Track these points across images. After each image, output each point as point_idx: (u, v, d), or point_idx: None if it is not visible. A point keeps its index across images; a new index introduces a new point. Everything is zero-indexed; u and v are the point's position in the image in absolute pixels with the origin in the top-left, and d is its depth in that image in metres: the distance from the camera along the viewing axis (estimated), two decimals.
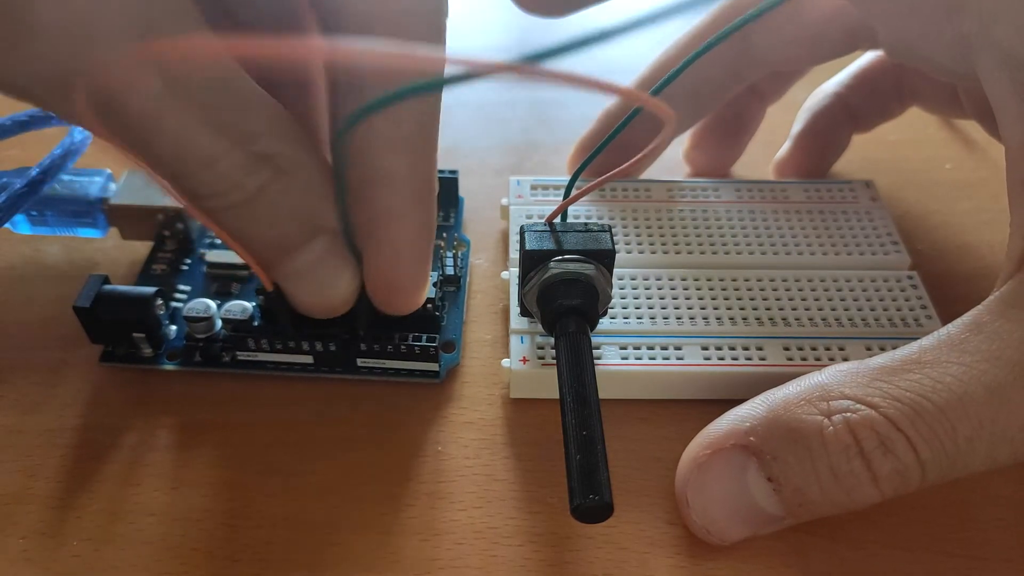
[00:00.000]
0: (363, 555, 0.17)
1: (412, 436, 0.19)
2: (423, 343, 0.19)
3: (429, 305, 0.19)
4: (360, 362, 0.20)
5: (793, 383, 0.16)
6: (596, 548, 0.17)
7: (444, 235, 0.23)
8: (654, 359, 0.19)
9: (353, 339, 0.19)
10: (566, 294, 0.18)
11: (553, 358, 0.19)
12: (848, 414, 0.15)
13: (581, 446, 0.15)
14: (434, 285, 0.20)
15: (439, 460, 0.19)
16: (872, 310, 0.20)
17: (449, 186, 0.24)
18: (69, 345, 0.21)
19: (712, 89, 0.23)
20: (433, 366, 0.20)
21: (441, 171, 0.23)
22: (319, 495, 0.18)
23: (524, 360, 0.19)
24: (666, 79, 0.17)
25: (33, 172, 0.21)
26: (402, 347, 0.19)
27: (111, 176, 0.23)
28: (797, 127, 0.25)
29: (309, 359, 0.20)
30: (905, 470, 0.14)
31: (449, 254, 0.22)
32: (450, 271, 0.22)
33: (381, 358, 0.20)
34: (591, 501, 0.14)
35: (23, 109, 0.23)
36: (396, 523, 0.18)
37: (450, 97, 0.30)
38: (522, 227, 0.19)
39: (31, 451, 0.19)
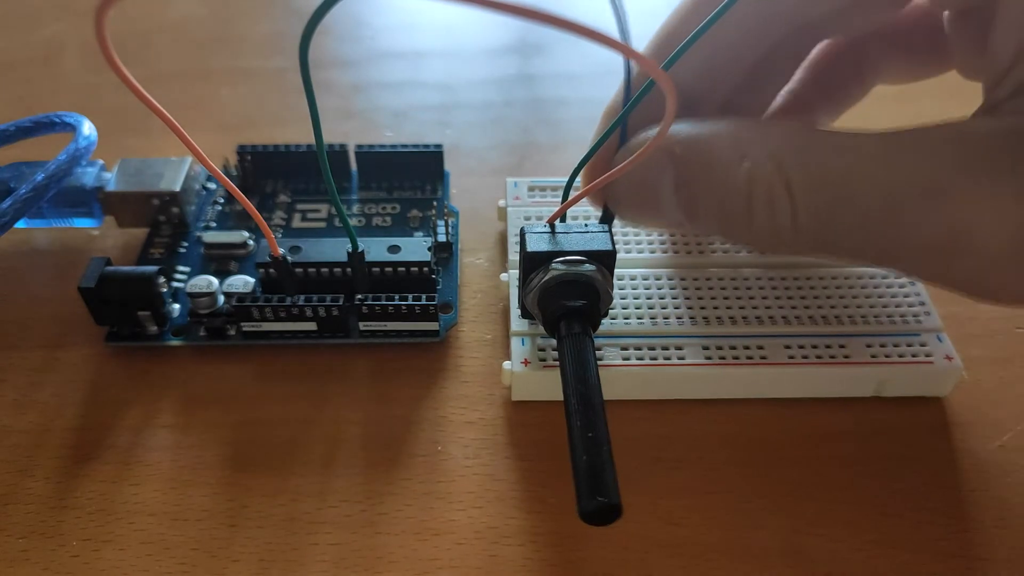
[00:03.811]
0: (363, 555, 0.17)
1: (412, 435, 0.19)
2: (423, 302, 0.20)
3: (425, 268, 0.20)
4: (362, 326, 0.20)
5: (725, 123, 0.17)
6: (596, 548, 0.17)
7: (434, 205, 0.24)
8: (655, 359, 0.19)
9: (354, 303, 0.20)
10: (568, 295, 0.18)
11: (554, 360, 0.19)
12: (751, 165, 0.16)
13: (587, 448, 0.15)
14: (428, 250, 0.21)
15: (439, 460, 0.19)
16: (872, 308, 0.20)
17: (435, 160, 0.25)
18: (68, 338, 0.21)
19: (730, 54, 0.18)
20: (433, 325, 0.21)
21: (426, 146, 0.25)
22: (318, 495, 0.18)
23: (526, 362, 0.19)
24: (680, 49, 0.16)
25: (39, 178, 0.20)
26: (403, 308, 0.20)
27: (104, 166, 0.23)
28: None
29: (312, 326, 0.20)
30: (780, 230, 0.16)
31: (440, 223, 0.23)
32: (442, 239, 0.23)
33: (382, 320, 0.20)
34: (599, 503, 0.14)
35: (26, 116, 0.23)
36: (396, 523, 0.18)
37: (450, 97, 0.30)
38: (522, 229, 0.19)
39: (30, 450, 0.19)
